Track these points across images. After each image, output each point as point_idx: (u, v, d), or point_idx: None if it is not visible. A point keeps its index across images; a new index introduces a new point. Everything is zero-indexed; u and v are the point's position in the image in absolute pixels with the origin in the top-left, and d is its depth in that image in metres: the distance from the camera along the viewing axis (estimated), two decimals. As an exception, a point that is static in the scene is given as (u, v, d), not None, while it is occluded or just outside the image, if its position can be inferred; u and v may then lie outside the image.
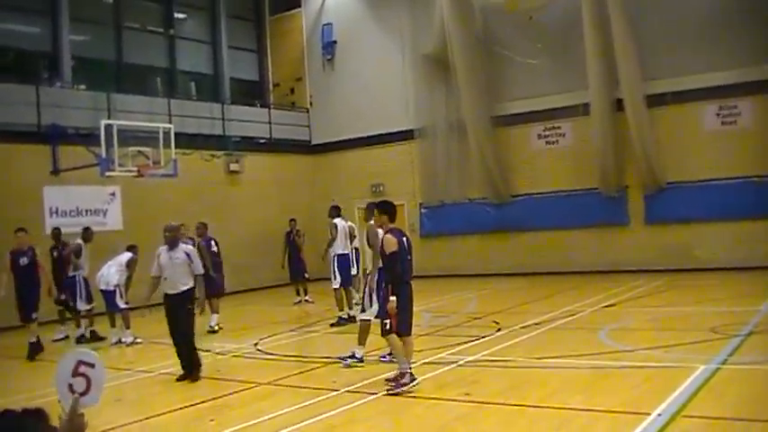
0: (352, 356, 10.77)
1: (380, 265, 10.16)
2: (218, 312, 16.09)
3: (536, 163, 23.97)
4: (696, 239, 21.26)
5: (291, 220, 21.37)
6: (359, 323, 11.19)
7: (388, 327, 9.13)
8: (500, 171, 24.27)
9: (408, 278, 9.36)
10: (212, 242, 16.94)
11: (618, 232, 22.52)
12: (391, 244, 9.10)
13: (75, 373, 6.94)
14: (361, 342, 10.85)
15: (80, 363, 7.58)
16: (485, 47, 24.45)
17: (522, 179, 24.04)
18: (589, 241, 22.85)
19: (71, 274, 15.69)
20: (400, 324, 9.17)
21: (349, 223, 16.24)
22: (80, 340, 15.17)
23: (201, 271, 11.24)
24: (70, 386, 7.05)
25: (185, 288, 10.92)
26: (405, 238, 9.38)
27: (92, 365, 7.67)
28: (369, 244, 11.00)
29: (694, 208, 21.11)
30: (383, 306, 9.46)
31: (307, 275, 20.70)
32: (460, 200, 25.12)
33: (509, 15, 23.96)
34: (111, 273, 15.27)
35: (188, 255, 11.02)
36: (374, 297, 10.70)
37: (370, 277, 10.93)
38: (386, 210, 9.61)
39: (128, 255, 15.61)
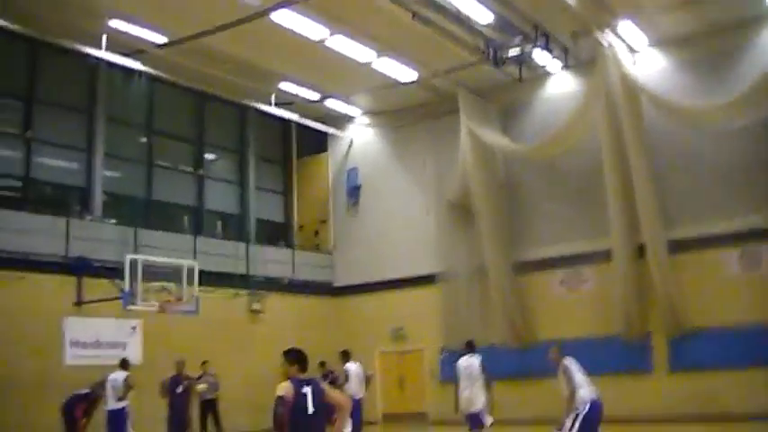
0: None
1: (577, 406, 10.48)
2: None
3: (558, 309, 23.80)
4: (722, 386, 20.77)
5: (322, 363, 20.81)
6: None
7: None
8: (522, 316, 24.14)
9: None
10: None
11: (641, 379, 22.08)
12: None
13: None
14: None
15: None
16: (507, 192, 24.86)
17: (543, 325, 23.77)
18: (612, 389, 22.19)
19: (120, 405, 15.44)
20: None
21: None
22: None
23: None
24: None
25: None
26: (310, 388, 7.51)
27: None
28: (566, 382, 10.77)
29: (720, 354, 20.68)
30: None
31: None
32: (482, 345, 24.80)
33: (531, 162, 24.45)
34: None
35: None
36: (577, 427, 10.48)
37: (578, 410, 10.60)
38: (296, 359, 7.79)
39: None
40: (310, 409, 7.33)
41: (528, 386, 23.61)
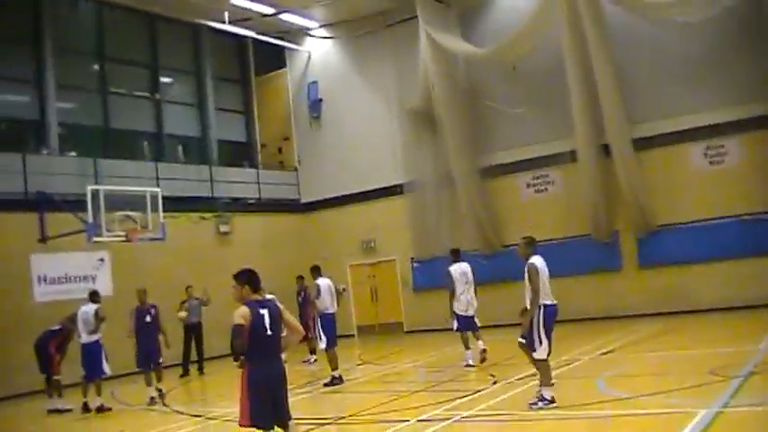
0: (542, 399, 10.28)
1: (540, 302, 10.30)
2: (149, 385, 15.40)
3: (526, 212, 23.80)
4: (690, 281, 21.16)
5: (300, 277, 20.55)
6: (537, 364, 10.63)
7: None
8: (490, 222, 24.22)
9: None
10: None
11: (611, 277, 22.39)
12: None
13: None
14: (547, 383, 10.40)
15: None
16: (470, 99, 24.59)
17: (512, 229, 23.70)
18: (583, 288, 22.57)
19: (93, 338, 15.22)
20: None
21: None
22: (101, 409, 14.82)
23: None
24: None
25: None
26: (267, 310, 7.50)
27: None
28: (529, 281, 10.50)
29: (687, 249, 21.03)
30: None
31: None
32: (452, 252, 24.92)
33: (493, 66, 24.12)
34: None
35: None
36: (543, 334, 10.40)
37: (535, 315, 10.41)
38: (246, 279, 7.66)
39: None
40: (268, 331, 7.39)
41: (498, 290, 23.69)
